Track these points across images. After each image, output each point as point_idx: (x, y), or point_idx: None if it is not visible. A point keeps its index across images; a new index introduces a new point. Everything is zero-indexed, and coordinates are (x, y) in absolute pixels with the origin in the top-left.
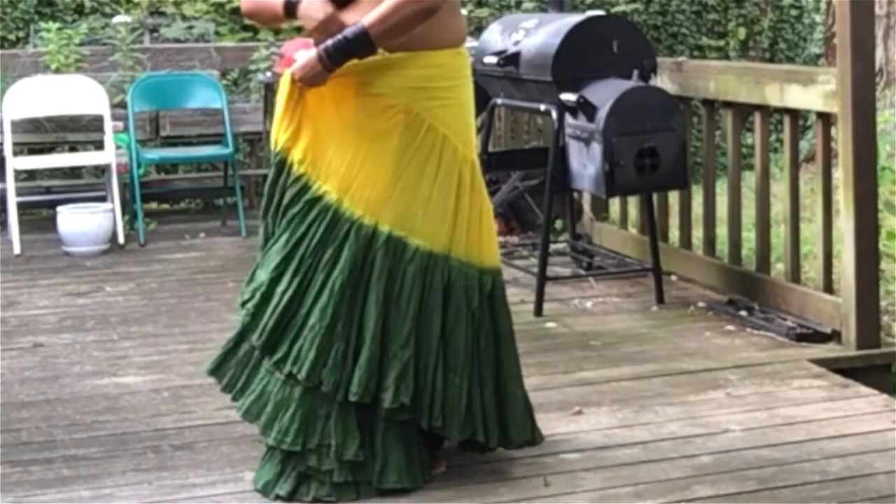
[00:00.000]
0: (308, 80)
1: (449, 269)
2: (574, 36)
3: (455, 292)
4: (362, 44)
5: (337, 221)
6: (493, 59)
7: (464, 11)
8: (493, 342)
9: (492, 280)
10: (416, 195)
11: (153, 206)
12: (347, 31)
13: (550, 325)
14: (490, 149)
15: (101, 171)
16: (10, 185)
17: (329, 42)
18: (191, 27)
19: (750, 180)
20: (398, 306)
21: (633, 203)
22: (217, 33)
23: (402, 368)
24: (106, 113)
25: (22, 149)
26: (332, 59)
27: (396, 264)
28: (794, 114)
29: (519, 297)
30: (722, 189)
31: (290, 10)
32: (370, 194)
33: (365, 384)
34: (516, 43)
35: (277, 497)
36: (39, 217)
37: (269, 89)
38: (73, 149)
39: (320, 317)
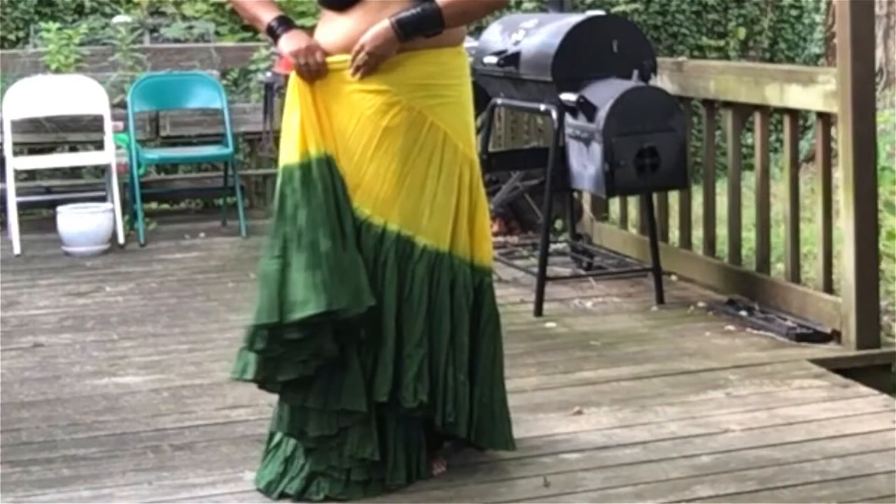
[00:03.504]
0: (380, 49)
1: (452, 268)
2: (574, 36)
3: (457, 290)
4: (434, 21)
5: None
6: (493, 59)
7: None
8: (472, 340)
9: (480, 279)
10: (422, 194)
11: (153, 206)
12: (423, 7)
13: (550, 325)
14: (490, 149)
15: (101, 171)
16: (10, 185)
17: (402, 14)
18: (191, 27)
19: (750, 180)
20: (410, 306)
21: (633, 203)
22: (217, 33)
23: (418, 367)
24: (106, 113)
25: (22, 149)
26: (405, 30)
27: (405, 264)
28: (794, 114)
29: (519, 297)
30: (722, 189)
31: (272, 34)
32: (378, 194)
33: (390, 384)
34: (516, 43)
35: (284, 496)
36: (39, 217)
37: (270, 89)
38: (73, 149)
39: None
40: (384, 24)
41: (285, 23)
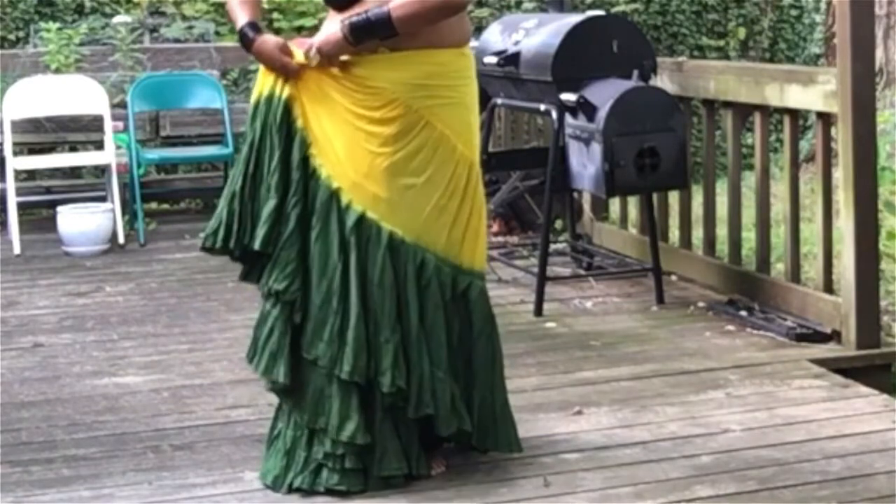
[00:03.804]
0: (329, 52)
1: (422, 261)
2: (574, 36)
3: (431, 286)
4: (383, 25)
5: (325, 196)
6: (493, 59)
7: None
8: (468, 344)
9: (468, 281)
10: (395, 182)
11: (153, 206)
12: (371, 11)
13: (550, 325)
14: (490, 149)
15: (101, 171)
16: (10, 185)
17: (354, 18)
18: (191, 27)
19: (750, 180)
20: (382, 290)
21: (633, 203)
22: (217, 33)
23: (394, 354)
24: (106, 113)
25: (22, 149)
26: (353, 34)
27: (371, 247)
28: (794, 114)
29: (519, 297)
30: (722, 189)
31: (244, 42)
32: (352, 173)
33: (354, 362)
34: (516, 43)
35: (290, 489)
36: (39, 217)
37: None
38: (73, 149)
39: (316, 292)
40: (337, 27)
41: (256, 29)
